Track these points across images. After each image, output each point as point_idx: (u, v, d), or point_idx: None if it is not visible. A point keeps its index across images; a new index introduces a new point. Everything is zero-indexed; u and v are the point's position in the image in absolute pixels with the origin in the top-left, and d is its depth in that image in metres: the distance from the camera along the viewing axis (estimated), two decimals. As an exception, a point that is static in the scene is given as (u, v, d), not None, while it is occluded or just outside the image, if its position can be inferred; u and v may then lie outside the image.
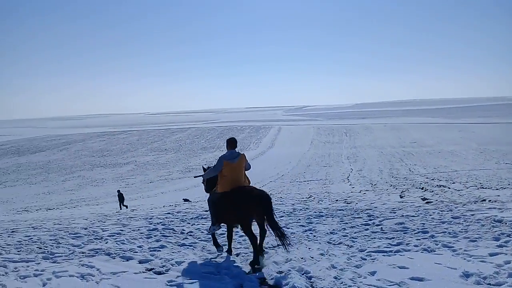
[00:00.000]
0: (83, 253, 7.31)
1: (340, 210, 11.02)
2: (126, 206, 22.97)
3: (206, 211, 11.89)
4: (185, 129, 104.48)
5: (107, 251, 7.31)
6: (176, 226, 9.54)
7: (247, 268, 6.12)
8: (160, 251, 7.28)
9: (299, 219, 9.83)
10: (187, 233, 8.75)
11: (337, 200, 14.48)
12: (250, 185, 6.97)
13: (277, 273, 5.83)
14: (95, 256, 7.06)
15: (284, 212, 10.95)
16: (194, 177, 8.39)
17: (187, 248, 7.46)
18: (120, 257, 6.93)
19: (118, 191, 26.42)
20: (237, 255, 6.86)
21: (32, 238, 8.83)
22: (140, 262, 6.61)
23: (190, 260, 6.57)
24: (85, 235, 8.98)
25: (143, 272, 6.05)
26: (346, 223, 9.11)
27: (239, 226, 6.66)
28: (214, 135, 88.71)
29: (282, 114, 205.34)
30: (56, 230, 9.89)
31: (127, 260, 6.73)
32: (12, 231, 10.11)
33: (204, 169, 7.33)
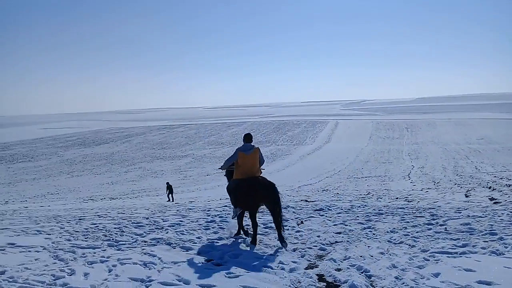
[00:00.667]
0: (145, 242, 7.56)
1: (400, 208, 10.65)
2: (173, 199, 23.29)
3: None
4: (241, 123, 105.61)
5: (168, 241, 7.51)
6: (233, 219, 9.63)
7: (304, 264, 6.04)
8: (218, 243, 7.38)
9: (357, 216, 9.60)
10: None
11: (397, 198, 14.04)
12: (261, 175, 7.55)
13: (335, 270, 5.71)
14: (156, 245, 7.28)
15: (342, 209, 10.73)
16: (219, 168, 8.80)
17: (244, 241, 7.49)
18: (180, 247, 7.10)
19: (167, 183, 26.61)
20: (294, 250, 6.79)
21: (98, 226, 9.27)
22: (199, 253, 6.73)
23: (247, 253, 6.60)
24: (147, 224, 9.30)
25: (203, 263, 6.15)
26: (408, 222, 8.77)
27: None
28: (270, 129, 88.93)
29: (339, 108, 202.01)
30: (120, 219, 10.33)
31: (187, 251, 6.87)
32: (80, 219, 10.68)
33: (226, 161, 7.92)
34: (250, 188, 7.04)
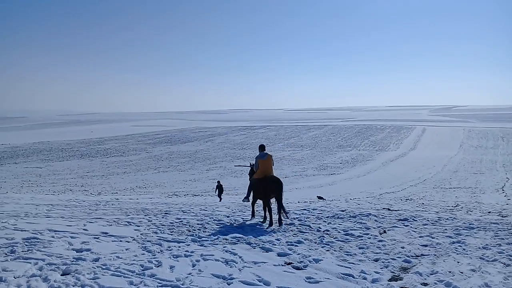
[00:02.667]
0: (226, 239, 7.74)
1: (494, 223, 9.85)
2: (221, 199, 22.15)
3: (343, 211, 11.72)
4: (322, 126, 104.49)
5: (248, 240, 7.63)
6: (312, 223, 9.54)
7: (387, 275, 5.80)
8: (297, 246, 7.35)
9: (446, 229, 9.03)
10: (323, 231, 8.68)
11: (489, 212, 13.04)
12: (273, 174, 10.13)
13: (421, 284, 5.42)
14: (237, 244, 7.43)
15: (428, 220, 10.17)
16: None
17: (324, 246, 7.39)
18: (260, 247, 7.17)
19: (218, 182, 25.85)
20: (376, 260, 6.55)
21: (182, 221, 9.67)
22: (279, 255, 6.74)
23: (328, 259, 6.48)
24: (228, 223, 9.53)
25: (282, 265, 6.15)
26: (502, 239, 8.08)
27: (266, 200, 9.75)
28: (351, 133, 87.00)
29: (427, 114, 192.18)
30: (202, 215, 10.69)
31: (267, 252, 6.92)
32: (166, 213, 11.22)
33: (251, 165, 11.21)
34: (265, 184, 9.68)
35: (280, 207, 9.42)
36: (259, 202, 10.43)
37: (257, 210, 11.04)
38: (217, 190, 24.98)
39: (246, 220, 9.90)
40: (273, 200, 9.82)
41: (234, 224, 9.36)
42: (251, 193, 10.25)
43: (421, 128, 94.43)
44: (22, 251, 6.37)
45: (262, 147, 10.53)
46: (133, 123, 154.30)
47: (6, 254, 6.19)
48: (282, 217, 9.44)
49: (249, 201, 10.48)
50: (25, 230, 7.90)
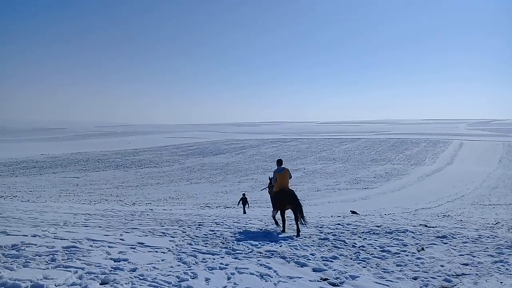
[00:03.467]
0: (260, 253, 7.71)
1: (538, 242, 9.41)
2: (245, 212, 21.88)
3: (378, 226, 11.50)
4: (355, 140, 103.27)
5: (282, 254, 7.57)
6: (347, 239, 9.39)
7: (427, 295, 5.61)
8: (332, 261, 7.23)
9: (487, 248, 8.69)
10: (359, 247, 8.52)
11: (533, 231, 12.47)
12: (290, 187, 10.95)
13: (463, 305, 5.21)
14: (271, 257, 7.38)
15: (468, 238, 9.81)
16: (261, 190, 11.98)
17: (360, 262, 7.24)
18: (294, 262, 7.10)
19: (243, 194, 25.36)
20: (415, 278, 6.36)
21: (216, 233, 9.72)
22: (314, 270, 6.65)
23: (364, 276, 6.35)
24: (261, 236, 9.50)
25: (318, 281, 6.06)
26: (548, 259, 7.70)
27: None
28: (386, 147, 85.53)
29: (465, 127, 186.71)
30: (236, 228, 10.71)
31: (302, 266, 6.85)
32: (199, 225, 11.31)
33: (269, 179, 11.93)
34: (282, 196, 10.57)
35: (297, 217, 10.09)
36: (291, 215, 10.99)
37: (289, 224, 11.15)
38: (240, 202, 24.67)
39: (280, 234, 9.85)
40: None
41: (268, 238, 9.32)
42: (274, 205, 11.11)
43: (458, 142, 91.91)
44: (62, 260, 6.53)
45: (279, 162, 11.38)
46: (167, 135, 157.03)
47: (47, 262, 6.36)
48: (300, 228, 10.09)
49: (277, 212, 11.06)
50: (65, 239, 8.11)
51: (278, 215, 11.07)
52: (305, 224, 10.41)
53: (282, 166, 11.12)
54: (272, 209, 11.30)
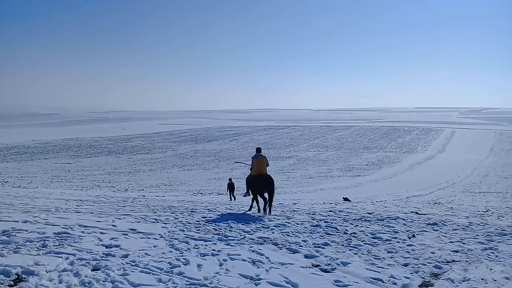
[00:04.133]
0: (252, 239, 7.73)
1: (527, 230, 9.53)
2: (234, 197, 21.48)
3: (370, 213, 11.59)
4: (347, 127, 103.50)
5: (274, 241, 7.60)
6: (339, 225, 9.44)
7: (417, 281, 5.67)
8: (324, 248, 7.27)
9: (477, 235, 8.78)
10: (350, 234, 8.57)
11: (523, 218, 12.64)
12: (267, 173, 11.69)
13: (453, 292, 5.27)
14: (263, 244, 7.41)
15: (459, 225, 9.91)
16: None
17: (352, 249, 7.29)
18: (286, 248, 7.13)
19: (230, 179, 23.78)
20: (406, 265, 6.41)
21: (208, 220, 9.73)
22: (306, 256, 6.68)
23: (356, 262, 6.39)
24: (253, 222, 9.54)
25: (310, 267, 6.09)
26: (538, 246, 7.81)
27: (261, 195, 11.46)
28: (378, 135, 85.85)
29: (457, 116, 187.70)
30: (228, 214, 10.73)
31: (294, 253, 6.87)
32: (192, 211, 11.31)
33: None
34: (258, 181, 11.39)
35: (270, 200, 11.31)
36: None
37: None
38: (228, 188, 23.05)
39: (271, 221, 9.86)
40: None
41: (260, 224, 9.34)
42: (248, 189, 11.88)
43: (450, 131, 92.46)
44: (54, 246, 6.50)
45: (258, 150, 12.27)
46: (160, 121, 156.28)
47: (38, 248, 6.33)
48: (269, 208, 11.28)
49: (249, 195, 11.98)
50: (56, 225, 8.07)
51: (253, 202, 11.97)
52: (270, 213, 11.13)
53: (261, 154, 11.90)
54: (246, 191, 12.10)
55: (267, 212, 11.12)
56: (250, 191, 11.75)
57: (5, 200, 12.27)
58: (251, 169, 12.18)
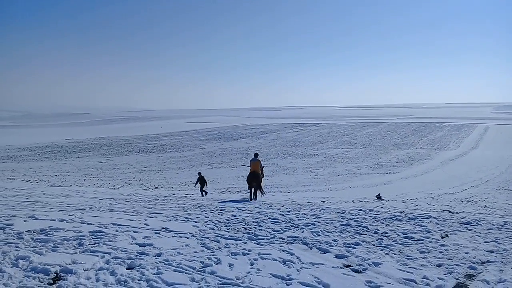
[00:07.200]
0: (282, 239, 7.75)
1: None
2: (206, 192, 20.53)
3: (401, 212, 11.44)
4: (377, 124, 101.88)
5: (304, 240, 7.60)
6: (370, 225, 9.35)
7: (452, 282, 5.56)
8: (355, 248, 7.22)
9: (513, 235, 8.54)
10: (381, 233, 8.48)
11: (561, 217, 12.18)
12: (258, 172, 16.42)
13: (489, 293, 5.15)
14: (293, 243, 7.42)
15: (493, 224, 9.66)
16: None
17: (383, 249, 7.21)
18: (317, 248, 7.12)
19: (199, 173, 21.98)
20: (439, 265, 6.30)
21: (238, 218, 9.80)
22: (337, 256, 6.66)
23: (388, 263, 6.32)
24: (283, 221, 9.55)
25: (341, 268, 6.06)
26: None
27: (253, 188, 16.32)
28: (408, 131, 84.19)
29: (491, 111, 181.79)
30: (258, 213, 10.77)
31: (324, 253, 6.85)
32: (221, 210, 11.42)
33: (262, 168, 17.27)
34: (250, 177, 16.32)
35: (257, 190, 16.27)
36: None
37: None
38: (197, 183, 21.28)
39: (301, 220, 9.85)
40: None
41: (290, 223, 9.35)
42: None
43: (483, 126, 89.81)
44: (89, 244, 6.69)
45: (255, 155, 17.98)
46: (189, 119, 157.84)
47: (75, 246, 6.53)
48: (257, 196, 16.30)
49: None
50: (91, 224, 8.30)
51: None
52: (255, 199, 15.93)
53: (256, 158, 17.17)
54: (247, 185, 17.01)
55: (254, 199, 15.92)
56: (248, 185, 16.66)
57: (41, 198, 12.69)
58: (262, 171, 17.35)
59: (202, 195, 19.79)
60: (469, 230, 9.01)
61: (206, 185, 21.60)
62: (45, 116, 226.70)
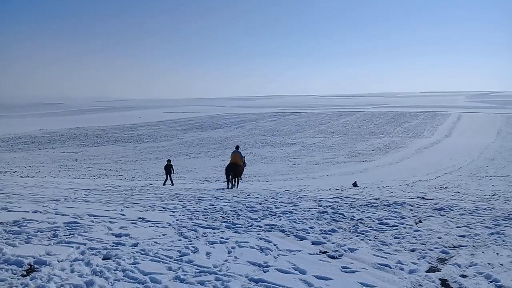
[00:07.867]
0: (260, 227, 7.80)
1: (535, 214, 9.52)
2: (172, 182, 20.77)
3: (376, 199, 11.63)
4: (353, 113, 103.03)
5: (281, 228, 7.66)
6: (346, 212, 9.49)
7: (425, 266, 5.70)
8: (331, 234, 7.32)
9: (484, 220, 8.81)
10: (357, 220, 8.62)
11: (530, 202, 12.62)
12: (237, 163, 17.77)
13: (460, 276, 5.31)
14: (271, 231, 7.47)
15: (465, 210, 9.93)
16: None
17: (359, 235, 7.33)
18: (294, 235, 7.19)
19: (168, 161, 21.91)
20: (413, 250, 6.45)
21: (215, 207, 9.80)
22: (313, 243, 6.74)
23: (363, 248, 6.44)
24: (260, 210, 9.59)
25: (317, 254, 6.15)
26: (544, 231, 7.81)
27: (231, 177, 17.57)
28: (384, 120, 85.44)
29: (464, 100, 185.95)
30: (235, 202, 10.79)
31: (301, 240, 6.93)
32: (199, 199, 11.40)
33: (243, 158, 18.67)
34: (230, 167, 17.49)
35: (235, 178, 17.69)
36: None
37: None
38: (165, 170, 21.33)
39: (278, 208, 9.92)
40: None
41: (267, 211, 9.40)
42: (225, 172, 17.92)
43: (456, 115, 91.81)
44: (64, 235, 6.59)
45: (236, 147, 19.16)
46: (166, 109, 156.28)
47: (49, 238, 6.42)
48: (236, 184, 17.81)
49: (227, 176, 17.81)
50: (66, 215, 8.17)
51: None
52: (237, 187, 17.52)
53: (237, 150, 18.55)
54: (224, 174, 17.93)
55: (235, 186, 17.50)
56: (225, 174, 17.67)
57: (14, 190, 12.42)
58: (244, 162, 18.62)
59: (164, 184, 20.16)
60: (442, 215, 9.24)
61: (173, 172, 21.84)
62: (18, 106, 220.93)
